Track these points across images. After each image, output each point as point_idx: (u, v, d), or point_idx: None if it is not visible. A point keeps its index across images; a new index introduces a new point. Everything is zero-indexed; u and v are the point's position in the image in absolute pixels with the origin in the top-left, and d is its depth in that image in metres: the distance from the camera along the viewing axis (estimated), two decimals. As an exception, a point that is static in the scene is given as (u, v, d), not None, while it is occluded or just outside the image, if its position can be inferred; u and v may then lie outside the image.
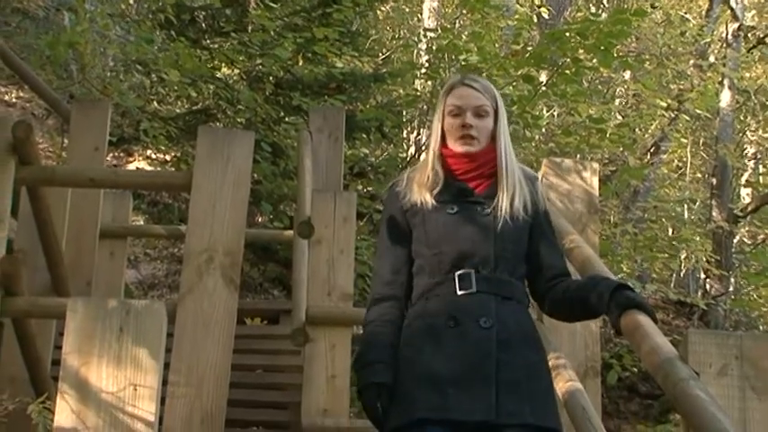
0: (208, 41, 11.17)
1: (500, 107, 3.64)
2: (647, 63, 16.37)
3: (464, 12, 14.93)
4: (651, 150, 16.40)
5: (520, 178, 3.59)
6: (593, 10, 16.40)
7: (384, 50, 15.19)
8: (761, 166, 19.76)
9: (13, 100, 11.13)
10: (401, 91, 13.05)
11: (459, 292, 3.38)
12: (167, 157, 11.74)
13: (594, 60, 10.40)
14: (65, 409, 3.40)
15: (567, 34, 9.87)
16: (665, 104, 16.13)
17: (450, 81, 3.74)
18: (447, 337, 3.31)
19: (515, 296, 3.47)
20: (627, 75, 16.98)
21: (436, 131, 3.65)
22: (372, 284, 3.68)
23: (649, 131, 16.59)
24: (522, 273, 3.56)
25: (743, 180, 18.67)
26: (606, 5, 18.41)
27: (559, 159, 5.68)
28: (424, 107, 13.20)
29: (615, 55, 10.45)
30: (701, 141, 18.99)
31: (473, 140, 3.56)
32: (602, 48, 9.84)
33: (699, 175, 19.53)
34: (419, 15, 17.09)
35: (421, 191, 3.55)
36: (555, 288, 3.53)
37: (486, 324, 3.31)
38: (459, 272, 3.41)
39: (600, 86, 16.86)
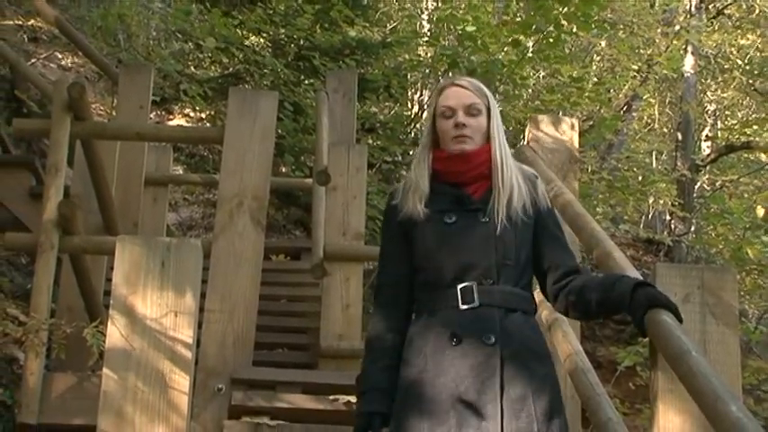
0: (238, 12, 11.08)
1: (492, 105, 3.15)
2: (621, 32, 16.27)
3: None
4: (624, 108, 16.33)
5: (518, 178, 3.09)
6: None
7: (391, 21, 15.06)
8: (719, 122, 19.66)
9: (69, 65, 11.06)
10: (406, 56, 12.98)
11: (462, 307, 2.91)
12: (203, 115, 11.69)
13: (575, 27, 10.35)
14: (115, 333, 3.41)
15: (550, 1, 9.80)
16: (636, 67, 16.10)
17: (439, 84, 3.25)
18: (450, 357, 2.85)
19: (520, 307, 2.98)
20: (603, 42, 16.87)
21: (428, 136, 3.16)
22: (374, 300, 3.17)
23: (622, 91, 16.49)
24: (529, 279, 3.08)
25: (704, 134, 18.59)
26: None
27: (544, 116, 5.64)
28: (426, 71, 13.13)
29: (591, 22, 10.38)
30: (667, 100, 18.90)
31: (467, 139, 3.06)
32: (580, 15, 9.80)
33: (665, 130, 19.45)
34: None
35: (417, 202, 3.05)
36: (567, 288, 3.03)
37: (490, 340, 2.85)
38: (461, 285, 2.92)
39: (580, 52, 16.76)
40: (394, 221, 3.11)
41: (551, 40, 10.44)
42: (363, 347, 3.10)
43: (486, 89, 3.18)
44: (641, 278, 3.00)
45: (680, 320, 2.72)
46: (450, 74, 11.98)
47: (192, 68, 12.24)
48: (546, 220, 3.13)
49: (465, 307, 2.90)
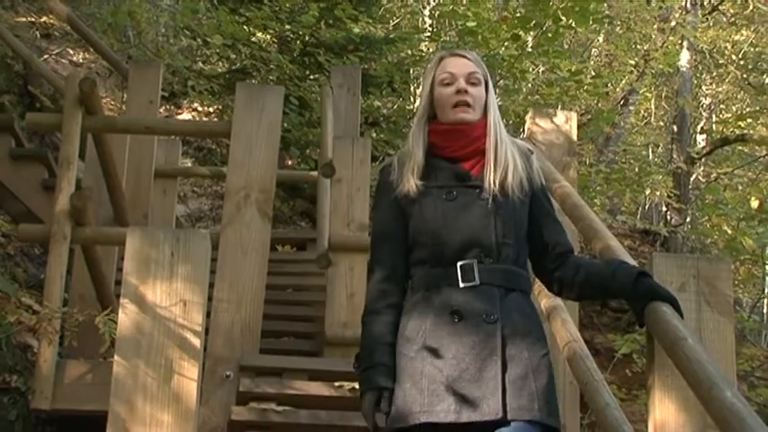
0: (244, 9, 11.07)
1: (489, 80, 3.02)
2: (618, 28, 16.26)
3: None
4: (621, 102, 16.32)
5: (513, 153, 2.94)
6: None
7: (394, 17, 15.04)
8: (714, 116, 19.64)
9: (80, 60, 11.06)
10: (408, 52, 12.96)
11: (462, 285, 2.78)
12: (211, 109, 11.70)
13: (573, 22, 10.34)
14: (125, 321, 3.41)
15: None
16: (633, 62, 16.09)
17: (438, 54, 3.10)
18: (450, 334, 2.74)
19: (520, 286, 2.87)
20: (601, 37, 16.85)
21: (425, 108, 2.99)
22: (369, 276, 3.01)
23: (620, 86, 16.48)
24: (525, 257, 2.97)
25: (699, 127, 18.58)
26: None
27: (543, 109, 5.64)
28: (428, 66, 13.10)
29: (588, 18, 10.37)
30: (663, 94, 18.88)
31: (469, 108, 2.92)
32: (578, 10, 9.80)
33: (661, 124, 19.44)
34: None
35: (414, 177, 2.89)
36: (562, 268, 2.95)
37: (491, 319, 2.74)
38: (461, 263, 2.80)
39: (578, 47, 16.75)
40: (388, 197, 2.95)
41: (550, 35, 10.44)
42: (362, 321, 2.95)
43: (482, 62, 3.05)
44: (637, 266, 2.94)
45: (680, 314, 2.68)
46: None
47: (200, 64, 12.24)
48: (540, 196, 3.00)
49: (465, 285, 2.78)
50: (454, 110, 2.93)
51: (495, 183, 2.86)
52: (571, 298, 3.14)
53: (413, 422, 2.67)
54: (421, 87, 3.05)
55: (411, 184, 2.89)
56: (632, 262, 3.17)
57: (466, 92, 2.92)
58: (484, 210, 2.84)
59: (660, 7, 16.59)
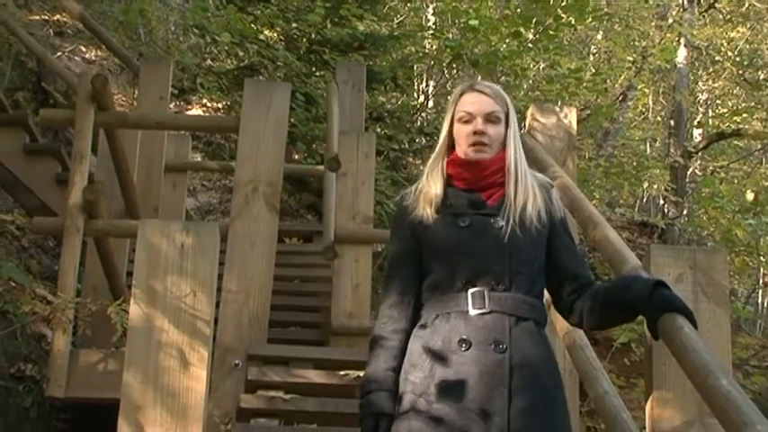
0: (252, 8, 11.06)
1: (511, 112, 2.92)
2: (617, 25, 16.24)
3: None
4: (619, 98, 16.31)
5: (533, 185, 2.86)
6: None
7: (398, 15, 15.02)
8: (710, 111, 19.62)
9: (93, 58, 11.05)
10: (412, 49, 12.95)
11: (472, 312, 2.68)
12: (219, 105, 11.69)
13: (572, 19, 10.34)
14: (137, 311, 3.41)
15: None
16: (631, 59, 16.08)
17: (459, 87, 2.99)
18: (458, 363, 2.64)
19: (532, 316, 2.74)
20: (600, 35, 16.83)
21: (444, 140, 2.93)
22: (381, 301, 2.92)
23: (618, 82, 16.47)
24: (541, 289, 2.84)
25: (695, 122, 18.56)
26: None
27: (543, 105, 5.63)
28: (431, 62, 13.11)
29: (587, 15, 10.37)
30: (661, 90, 18.87)
31: (485, 147, 2.83)
32: (577, 6, 9.80)
33: (659, 119, 19.41)
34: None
35: (430, 203, 2.83)
36: (582, 298, 2.82)
37: (500, 348, 2.63)
38: (471, 290, 2.70)
39: (578, 44, 16.73)
40: (404, 222, 2.89)
41: (551, 32, 10.43)
42: (369, 346, 2.86)
43: (505, 96, 2.96)
44: (655, 278, 2.82)
45: (695, 325, 2.56)
46: (457, 68, 11.98)
47: (209, 61, 12.23)
48: (560, 229, 2.90)
49: (475, 312, 2.68)
50: (471, 148, 2.85)
51: (514, 214, 2.78)
52: (593, 324, 2.90)
53: None
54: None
55: (427, 212, 2.83)
56: (630, 254, 3.17)
57: (483, 133, 2.85)
58: (498, 238, 2.75)
59: (658, 5, 16.60)
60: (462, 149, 2.87)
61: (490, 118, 2.86)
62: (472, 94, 2.91)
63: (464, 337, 2.66)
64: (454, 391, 2.60)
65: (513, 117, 2.92)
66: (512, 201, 2.80)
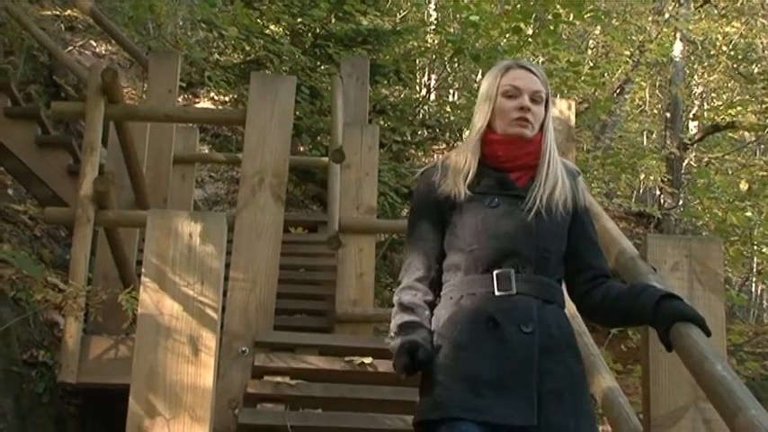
0: (258, 3, 11.05)
1: (550, 96, 2.82)
2: (614, 20, 16.21)
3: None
4: (617, 91, 16.29)
5: (562, 172, 2.76)
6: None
7: (400, 10, 15.01)
8: (706, 104, 19.59)
9: (103, 52, 11.05)
10: (414, 43, 12.94)
11: (498, 293, 2.59)
12: (226, 98, 11.69)
13: (571, 16, 10.33)
14: (147, 299, 3.41)
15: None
16: (628, 53, 16.07)
17: (502, 63, 2.85)
18: (485, 339, 2.55)
19: (556, 299, 2.68)
20: (598, 29, 16.79)
21: (485, 113, 2.76)
22: (402, 276, 2.79)
23: (616, 75, 16.45)
24: (562, 274, 2.76)
25: (691, 114, 18.54)
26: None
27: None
28: (433, 57, 13.09)
29: (586, 10, 10.35)
30: (657, 83, 18.83)
31: (528, 124, 2.72)
32: (575, 3, 9.78)
33: (655, 111, 19.38)
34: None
35: (458, 180, 2.71)
36: (594, 292, 2.73)
37: (528, 329, 2.55)
38: (497, 271, 2.61)
39: (576, 39, 16.71)
40: (429, 199, 2.76)
41: (550, 27, 10.42)
42: (392, 313, 2.73)
43: (546, 78, 2.83)
44: (666, 289, 2.71)
45: (708, 334, 2.45)
46: (458, 62, 11.96)
47: (216, 55, 12.22)
48: (583, 218, 2.81)
49: (501, 293, 2.59)
50: (513, 123, 2.73)
51: (542, 197, 2.68)
52: (599, 321, 2.90)
53: (452, 415, 2.47)
54: (481, 91, 2.81)
55: (459, 188, 2.70)
56: (627, 243, 3.16)
57: (529, 110, 2.73)
58: (526, 220, 2.66)
59: (654, 0, 16.55)
60: (503, 124, 2.75)
61: (535, 97, 2.75)
62: (519, 71, 2.79)
63: (491, 315, 2.57)
64: (483, 368, 2.51)
65: (551, 103, 2.83)
66: (542, 184, 2.71)
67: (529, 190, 2.70)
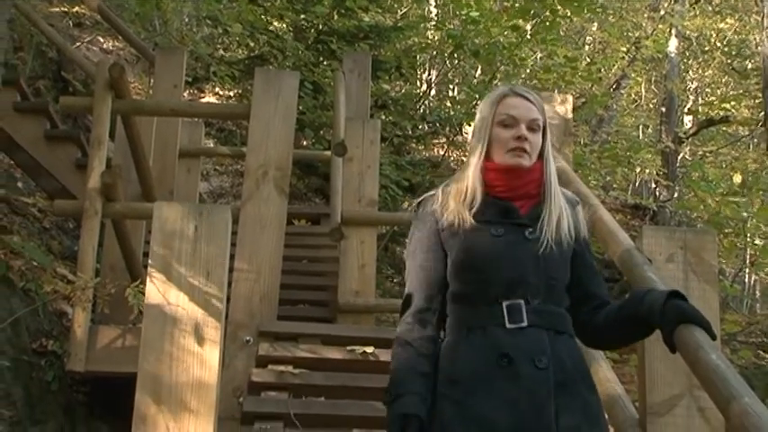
0: (262, 0, 11.04)
1: (547, 123, 2.68)
2: (611, 16, 16.20)
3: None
4: (613, 86, 16.28)
5: (563, 201, 2.65)
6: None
7: (402, 7, 14.98)
8: (700, 98, 19.58)
9: (110, 48, 11.04)
10: (415, 39, 12.93)
11: (509, 326, 2.43)
12: (231, 93, 11.68)
13: (569, 12, 10.32)
14: (153, 290, 3.41)
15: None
16: (624, 49, 16.05)
17: (498, 90, 2.71)
18: (499, 379, 2.39)
19: (567, 329, 2.53)
20: (595, 26, 16.77)
21: (482, 142, 2.63)
22: (403, 308, 2.62)
23: (612, 71, 16.43)
24: (568, 303, 2.59)
25: (686, 109, 18.53)
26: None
27: (541, 93, 5.61)
28: (434, 53, 13.07)
29: (583, 7, 10.34)
30: (653, 79, 18.84)
31: (525, 154, 2.58)
32: (573, 1, 9.78)
33: (651, 106, 19.38)
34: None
35: (460, 209, 2.57)
36: (596, 318, 2.59)
37: (542, 364, 2.39)
38: (507, 302, 2.46)
39: (573, 35, 16.69)
40: (429, 228, 2.62)
41: (548, 24, 10.41)
42: (391, 353, 2.58)
43: (543, 104, 2.71)
44: (669, 289, 2.57)
45: (712, 337, 2.37)
46: (458, 58, 11.93)
47: (221, 51, 12.21)
48: (584, 247, 2.68)
49: (512, 326, 2.44)
50: (510, 153, 2.59)
51: (549, 225, 2.55)
52: (600, 343, 2.78)
53: None
54: (477, 119, 2.69)
55: (464, 216, 2.56)
56: (624, 235, 3.16)
57: (526, 139, 2.59)
58: (532, 249, 2.52)
59: (650, -3, 16.55)
60: (500, 154, 2.61)
61: (532, 125, 2.61)
62: (515, 99, 2.65)
63: (504, 351, 2.41)
64: (499, 413, 2.36)
65: (548, 130, 2.69)
66: (548, 213, 2.58)
67: (532, 218, 2.58)
